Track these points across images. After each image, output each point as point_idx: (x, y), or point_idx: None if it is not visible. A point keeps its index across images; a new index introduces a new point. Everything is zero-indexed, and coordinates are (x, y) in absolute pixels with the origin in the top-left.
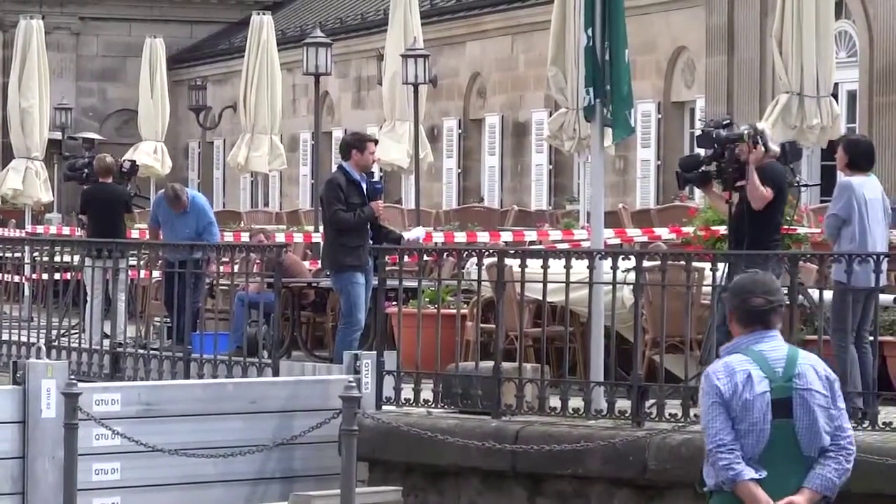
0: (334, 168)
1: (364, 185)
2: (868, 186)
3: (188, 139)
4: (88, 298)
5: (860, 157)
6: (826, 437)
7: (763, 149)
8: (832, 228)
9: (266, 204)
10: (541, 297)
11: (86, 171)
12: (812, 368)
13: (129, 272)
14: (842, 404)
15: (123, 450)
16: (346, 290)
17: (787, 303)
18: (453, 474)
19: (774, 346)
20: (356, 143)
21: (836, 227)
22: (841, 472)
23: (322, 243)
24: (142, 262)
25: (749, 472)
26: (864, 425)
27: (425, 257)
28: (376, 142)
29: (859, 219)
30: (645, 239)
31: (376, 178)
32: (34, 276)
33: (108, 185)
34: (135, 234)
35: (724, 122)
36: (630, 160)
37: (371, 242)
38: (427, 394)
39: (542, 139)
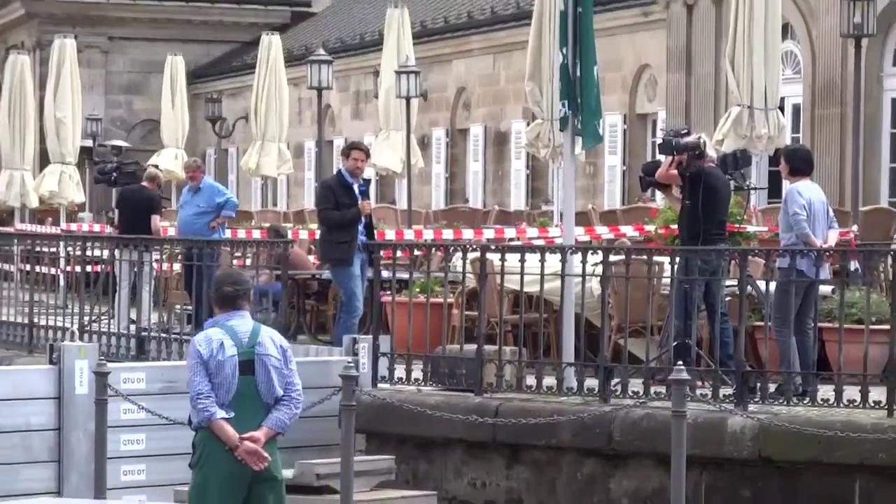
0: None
1: (356, 188)
2: (812, 192)
3: (205, 146)
4: (118, 288)
5: (800, 162)
6: (280, 390)
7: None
8: (801, 223)
9: (275, 204)
10: (518, 288)
11: (114, 174)
12: (270, 339)
13: (155, 265)
14: (293, 366)
15: (148, 423)
16: (342, 282)
17: (250, 289)
18: (440, 445)
19: (242, 322)
20: (344, 151)
21: (802, 221)
22: (290, 415)
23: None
24: (164, 257)
25: (221, 413)
26: (805, 402)
27: (416, 252)
28: (364, 150)
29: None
30: (611, 236)
31: (372, 182)
32: (68, 268)
33: (144, 189)
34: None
35: (682, 132)
36: (599, 166)
37: (364, 239)
38: (417, 373)
39: (520, 147)
